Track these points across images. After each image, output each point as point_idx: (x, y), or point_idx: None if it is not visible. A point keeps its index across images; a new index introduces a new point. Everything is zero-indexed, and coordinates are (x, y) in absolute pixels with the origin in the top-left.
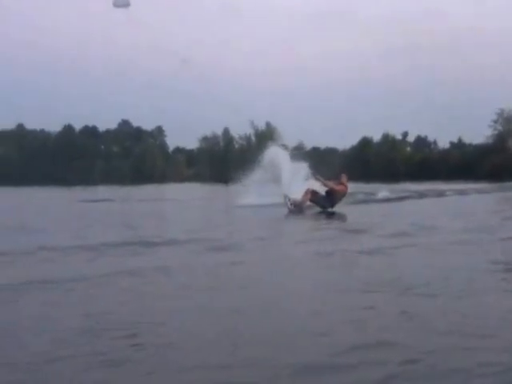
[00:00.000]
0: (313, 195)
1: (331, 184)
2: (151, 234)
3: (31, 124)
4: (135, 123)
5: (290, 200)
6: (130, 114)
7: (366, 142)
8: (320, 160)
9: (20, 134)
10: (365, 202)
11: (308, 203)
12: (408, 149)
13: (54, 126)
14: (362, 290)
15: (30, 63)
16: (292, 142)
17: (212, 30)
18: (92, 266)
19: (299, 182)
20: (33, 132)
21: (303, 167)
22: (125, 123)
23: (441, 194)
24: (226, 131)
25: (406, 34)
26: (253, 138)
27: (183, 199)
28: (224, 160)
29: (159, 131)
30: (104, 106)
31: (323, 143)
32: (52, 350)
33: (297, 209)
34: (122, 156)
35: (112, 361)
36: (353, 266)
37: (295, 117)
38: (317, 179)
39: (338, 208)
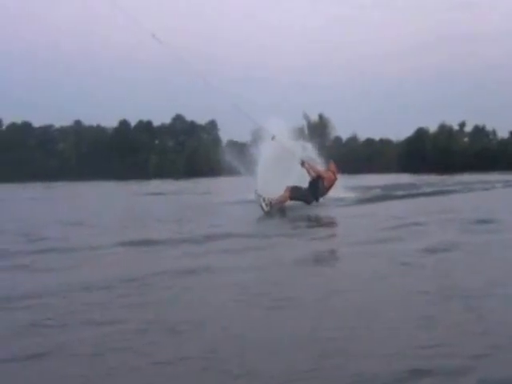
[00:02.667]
0: (293, 192)
1: (318, 169)
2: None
3: (88, 120)
4: (189, 117)
5: (264, 200)
6: (183, 109)
7: (421, 133)
8: (374, 152)
9: (77, 130)
10: (400, 197)
11: (288, 202)
12: (466, 139)
13: (110, 122)
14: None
15: (86, 61)
16: (345, 134)
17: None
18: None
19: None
20: (90, 128)
21: (304, 148)
22: (179, 118)
23: (492, 186)
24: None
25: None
26: (305, 130)
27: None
28: None
29: (212, 125)
30: (159, 101)
31: (377, 134)
32: None
33: (273, 210)
34: (176, 150)
35: None
36: (425, 267)
37: (348, 108)
38: (302, 165)
39: (359, 206)
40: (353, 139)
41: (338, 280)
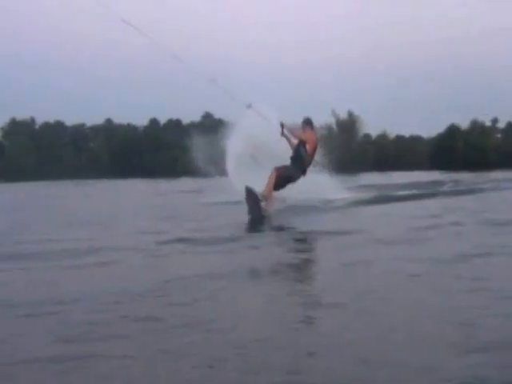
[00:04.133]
0: (280, 170)
1: (298, 133)
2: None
3: (119, 119)
4: (217, 115)
5: (251, 195)
6: (212, 107)
7: (453, 130)
8: (404, 149)
9: (108, 129)
10: (420, 196)
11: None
12: (498, 136)
13: (140, 120)
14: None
15: (116, 61)
16: (375, 131)
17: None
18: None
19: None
20: (120, 126)
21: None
22: (208, 116)
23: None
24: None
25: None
26: (334, 127)
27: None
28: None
29: None
30: (187, 99)
31: (408, 131)
32: None
33: (262, 210)
34: (205, 148)
35: None
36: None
37: (378, 104)
38: (282, 133)
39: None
40: (382, 136)
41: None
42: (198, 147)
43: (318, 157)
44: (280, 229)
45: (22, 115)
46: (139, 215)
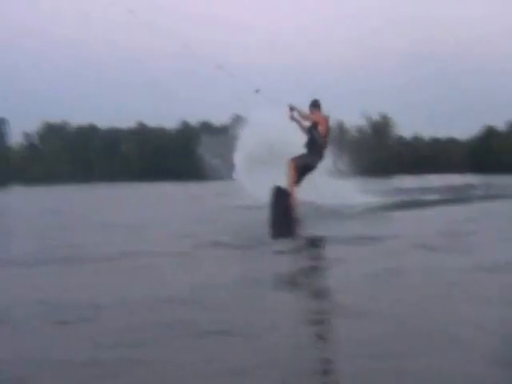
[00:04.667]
0: (297, 160)
1: (310, 116)
2: None
3: (151, 122)
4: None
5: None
6: (241, 108)
7: (490, 132)
8: (440, 151)
9: (141, 132)
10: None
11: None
12: None
13: (172, 123)
14: None
15: (146, 65)
16: (408, 133)
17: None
18: None
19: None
20: (152, 129)
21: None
22: (238, 118)
23: None
24: (340, 123)
25: None
26: (367, 130)
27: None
28: (338, 152)
29: None
30: (217, 102)
31: (442, 133)
32: None
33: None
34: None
35: None
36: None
37: (410, 106)
38: (292, 117)
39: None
40: (416, 138)
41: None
42: (225, 149)
43: (344, 160)
44: (310, 234)
45: (55, 119)
46: (171, 219)
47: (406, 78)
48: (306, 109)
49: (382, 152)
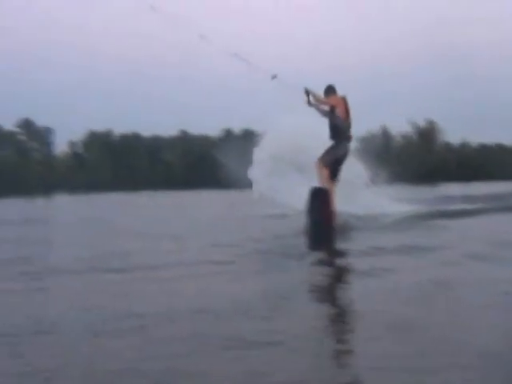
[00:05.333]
0: (325, 158)
1: (325, 99)
2: None
3: (194, 129)
4: None
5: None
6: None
7: None
8: (489, 158)
9: (184, 140)
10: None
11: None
12: None
13: (215, 131)
14: None
15: (188, 71)
16: (455, 139)
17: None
18: None
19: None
20: (195, 137)
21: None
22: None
23: None
24: (385, 129)
25: None
26: (413, 136)
27: None
28: (383, 159)
29: None
30: (261, 109)
31: (490, 139)
32: None
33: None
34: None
35: None
36: None
37: (458, 111)
38: (309, 102)
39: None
40: (464, 145)
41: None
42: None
43: (385, 168)
44: (353, 244)
45: (100, 127)
46: (213, 227)
47: (453, 82)
48: (321, 93)
49: (428, 159)
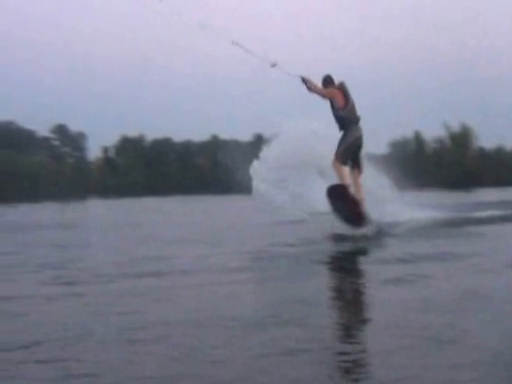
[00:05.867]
0: (340, 153)
1: (322, 91)
2: None
3: (225, 134)
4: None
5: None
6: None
7: None
8: None
9: (214, 145)
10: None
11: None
12: None
13: (245, 136)
14: None
15: (219, 76)
16: (490, 144)
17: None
18: None
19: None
20: (226, 142)
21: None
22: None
23: None
24: (418, 134)
25: None
26: (447, 141)
27: None
28: (416, 165)
29: None
30: (288, 114)
31: None
32: None
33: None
34: None
35: None
36: None
37: (493, 116)
38: (309, 88)
39: None
40: (499, 150)
41: None
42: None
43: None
44: (390, 250)
45: (132, 133)
46: (241, 232)
47: (487, 85)
48: (317, 82)
49: (462, 164)
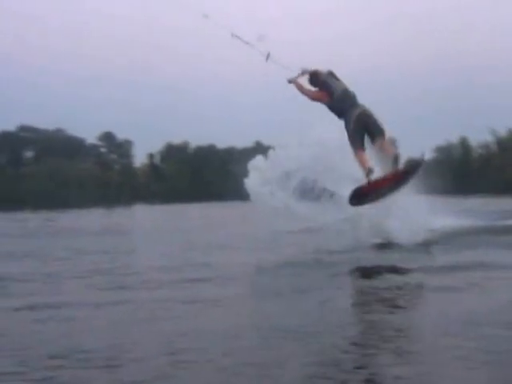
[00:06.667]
0: (361, 144)
1: (308, 93)
2: None
3: (268, 140)
4: None
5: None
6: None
7: None
8: None
9: (258, 151)
10: None
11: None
12: None
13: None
14: None
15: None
16: None
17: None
18: None
19: None
20: (269, 148)
21: None
22: None
23: None
24: (463, 139)
25: None
26: (493, 146)
27: None
28: (462, 171)
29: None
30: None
31: None
32: None
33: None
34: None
35: None
36: None
37: None
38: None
39: None
40: None
41: None
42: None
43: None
44: (430, 259)
45: (177, 140)
46: (280, 239)
47: None
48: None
49: (510, 170)
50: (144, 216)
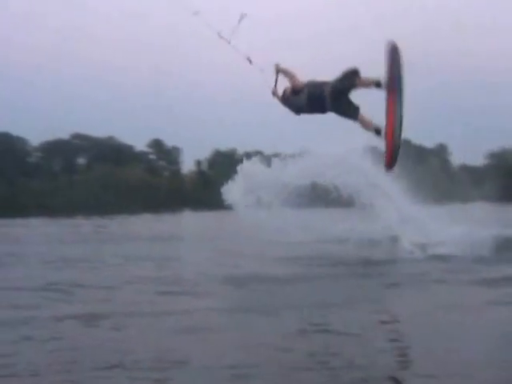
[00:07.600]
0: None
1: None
2: None
3: (316, 147)
4: (415, 141)
5: None
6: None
7: None
8: None
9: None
10: None
11: None
12: None
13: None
14: None
15: None
16: None
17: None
18: None
19: None
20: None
21: None
22: (404, 142)
23: None
24: None
25: None
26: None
27: None
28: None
29: (442, 148)
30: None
31: None
32: None
33: None
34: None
35: None
36: None
37: None
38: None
39: None
40: None
41: None
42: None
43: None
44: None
45: (225, 147)
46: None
47: None
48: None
49: None
50: (191, 222)
